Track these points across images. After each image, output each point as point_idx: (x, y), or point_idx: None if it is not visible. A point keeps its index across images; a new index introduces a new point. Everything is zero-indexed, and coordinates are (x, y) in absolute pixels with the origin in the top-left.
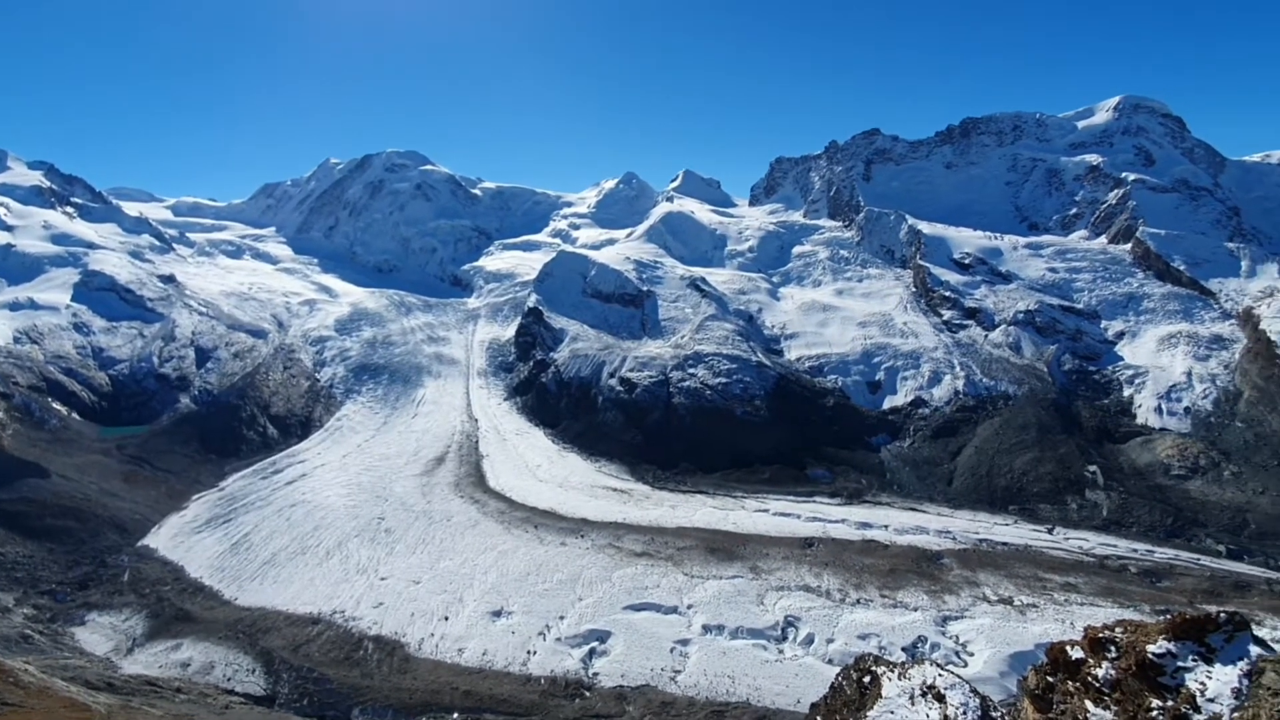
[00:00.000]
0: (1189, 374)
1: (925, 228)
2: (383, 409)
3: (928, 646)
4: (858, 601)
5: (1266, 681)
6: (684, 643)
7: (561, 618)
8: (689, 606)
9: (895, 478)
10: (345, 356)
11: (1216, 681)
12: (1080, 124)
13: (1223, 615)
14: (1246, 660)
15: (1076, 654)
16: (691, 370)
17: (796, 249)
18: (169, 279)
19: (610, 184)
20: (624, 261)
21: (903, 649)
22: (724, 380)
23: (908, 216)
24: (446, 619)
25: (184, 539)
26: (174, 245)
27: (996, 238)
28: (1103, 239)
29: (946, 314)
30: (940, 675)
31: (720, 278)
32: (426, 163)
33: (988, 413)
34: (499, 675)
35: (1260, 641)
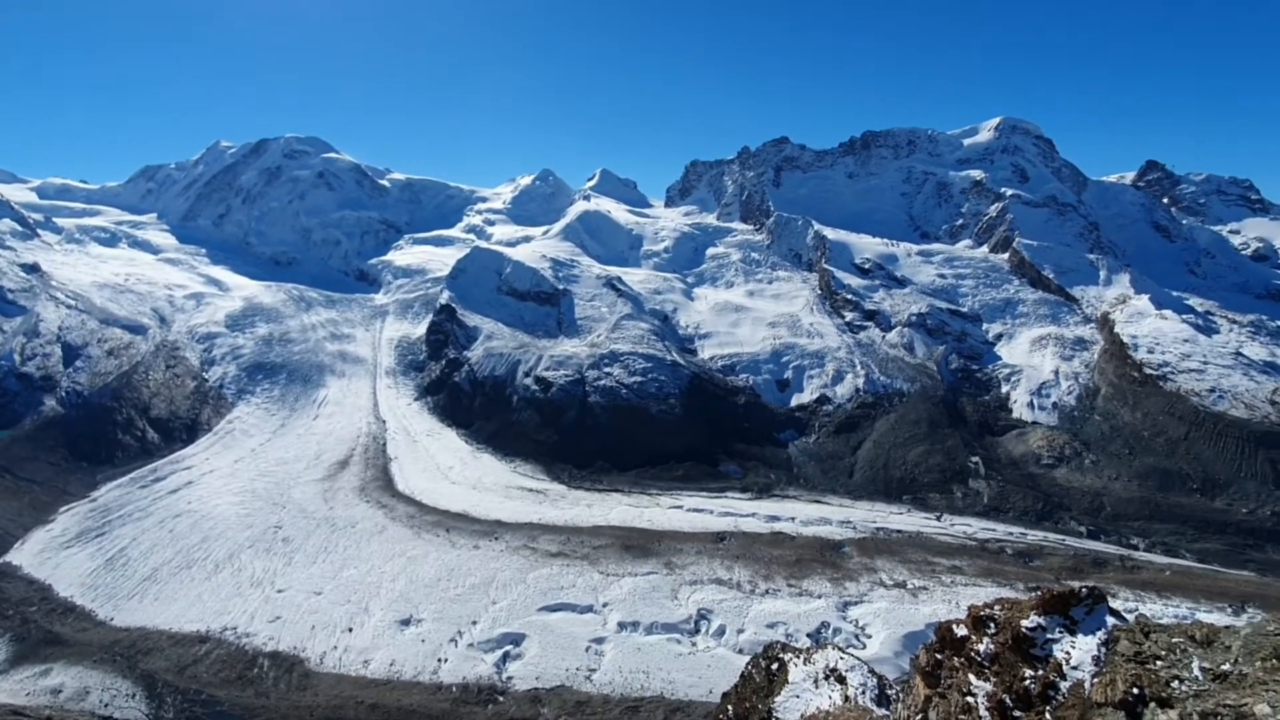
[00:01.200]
0: (1056, 372)
1: (830, 233)
2: (280, 410)
3: (831, 631)
4: (766, 592)
5: (1120, 649)
6: (599, 641)
7: (474, 622)
8: (604, 604)
9: (802, 472)
10: (238, 354)
11: (1079, 650)
12: (966, 141)
13: (1084, 589)
14: (1104, 630)
15: (961, 631)
16: (607, 369)
17: (710, 250)
18: (32, 268)
19: (526, 180)
20: (540, 259)
21: (808, 635)
22: (639, 379)
23: (814, 222)
24: (351, 630)
25: (51, 555)
26: (39, 231)
27: (893, 244)
28: (984, 248)
29: (848, 315)
30: (842, 658)
31: (636, 277)
32: (329, 150)
33: (885, 409)
34: (407, 685)
35: (1115, 612)
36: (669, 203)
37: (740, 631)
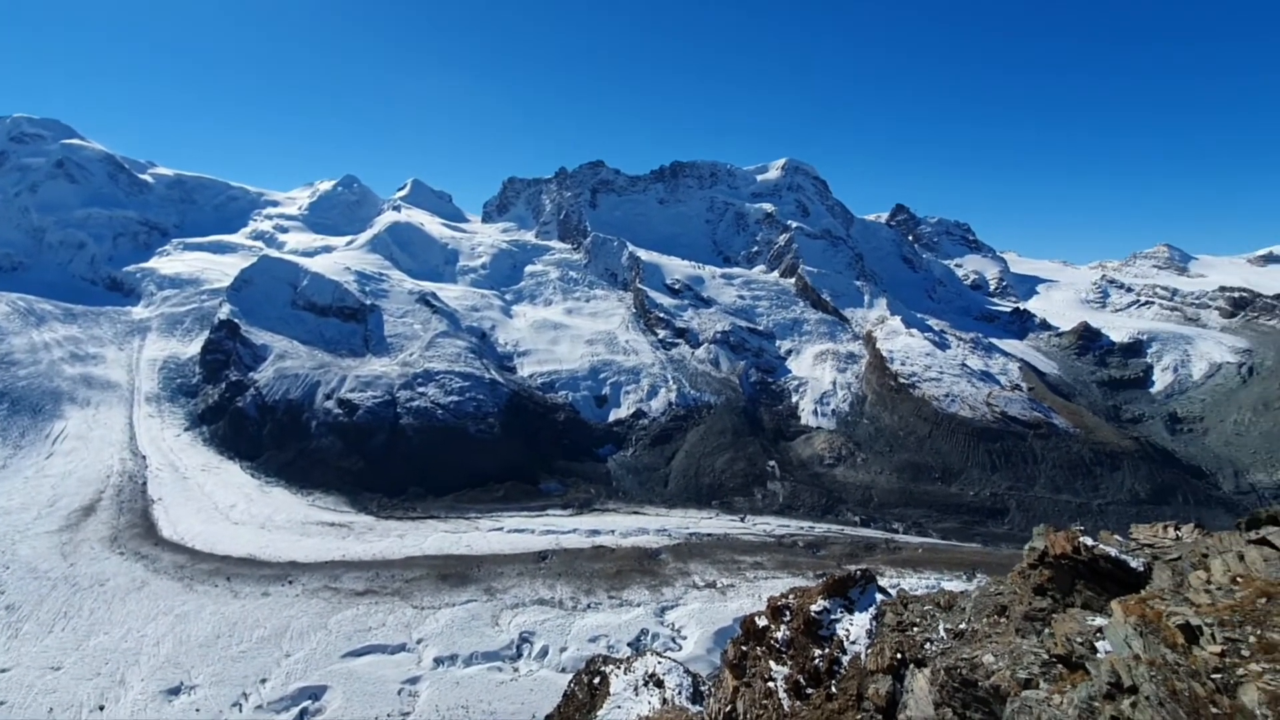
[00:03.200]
0: (834, 383)
1: (643, 255)
2: None
3: (649, 637)
4: (588, 606)
5: (887, 620)
6: (413, 681)
7: (263, 681)
8: (419, 641)
9: (621, 485)
10: None
11: (856, 626)
12: (759, 177)
13: (858, 572)
14: (875, 606)
15: (763, 622)
16: (421, 389)
17: (529, 268)
18: None
19: (326, 185)
20: (343, 272)
21: (629, 644)
22: (456, 399)
23: (629, 244)
24: (102, 708)
25: None
26: None
27: (700, 267)
28: (776, 273)
29: (661, 333)
30: (659, 663)
31: (452, 293)
32: (73, 135)
33: (695, 421)
34: None
35: (882, 589)
36: (486, 218)
37: (563, 650)
